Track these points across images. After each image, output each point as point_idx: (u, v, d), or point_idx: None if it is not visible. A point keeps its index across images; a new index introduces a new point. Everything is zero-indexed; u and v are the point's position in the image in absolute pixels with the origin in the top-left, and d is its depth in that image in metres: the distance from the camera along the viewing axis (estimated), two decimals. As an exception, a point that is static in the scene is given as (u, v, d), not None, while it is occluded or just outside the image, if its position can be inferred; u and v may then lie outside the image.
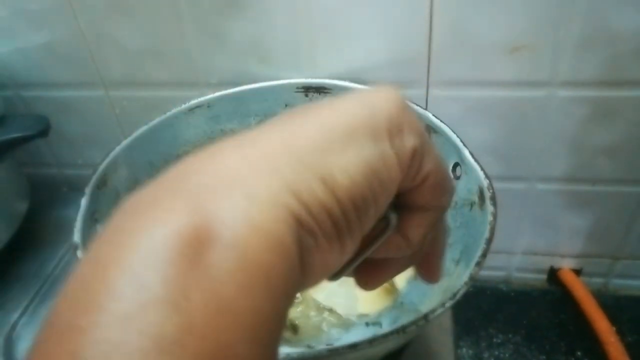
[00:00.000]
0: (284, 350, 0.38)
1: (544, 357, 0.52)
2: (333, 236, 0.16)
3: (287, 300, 0.14)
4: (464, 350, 0.53)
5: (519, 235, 0.55)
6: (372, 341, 0.25)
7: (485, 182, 0.34)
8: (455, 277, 0.35)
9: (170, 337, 0.11)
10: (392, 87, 0.18)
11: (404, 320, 0.37)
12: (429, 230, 0.21)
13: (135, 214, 0.14)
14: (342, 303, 0.41)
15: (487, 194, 0.33)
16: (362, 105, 0.17)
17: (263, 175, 0.15)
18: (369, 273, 0.22)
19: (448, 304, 0.28)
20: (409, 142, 0.18)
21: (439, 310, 0.27)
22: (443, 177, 0.19)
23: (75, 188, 0.62)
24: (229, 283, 0.12)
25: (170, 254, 0.12)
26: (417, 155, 0.18)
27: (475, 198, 0.35)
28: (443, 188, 0.20)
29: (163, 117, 0.43)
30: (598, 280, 0.57)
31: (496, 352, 0.53)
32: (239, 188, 0.14)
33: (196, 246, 0.13)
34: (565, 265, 0.57)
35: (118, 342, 0.11)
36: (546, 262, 0.57)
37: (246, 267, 0.13)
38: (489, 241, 0.31)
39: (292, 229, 0.14)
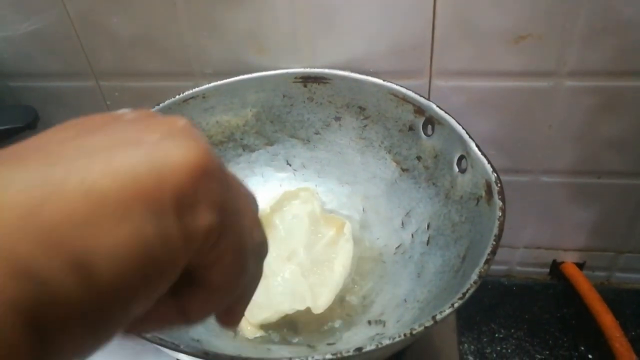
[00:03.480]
0: (285, 352, 0.37)
1: (547, 352, 0.51)
2: (86, 329, 0.13)
3: None
4: (466, 345, 0.52)
5: (522, 229, 0.54)
6: (378, 345, 0.24)
7: (492, 176, 0.33)
8: (461, 274, 0.34)
9: None
10: (198, 137, 0.15)
11: (408, 318, 0.36)
12: (213, 311, 0.18)
13: None
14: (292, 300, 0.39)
15: (495, 188, 0.32)
16: (149, 166, 0.14)
17: None
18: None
19: (457, 304, 0.27)
20: (203, 219, 0.14)
21: (448, 311, 0.26)
22: (241, 258, 0.17)
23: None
24: None
25: None
26: (213, 233, 0.15)
27: (482, 192, 0.34)
28: (239, 270, 0.17)
29: (156, 108, 0.42)
30: (601, 274, 0.57)
31: (498, 348, 0.52)
32: None
33: None
34: (568, 258, 0.56)
35: None
36: (549, 256, 0.56)
37: None
38: (498, 238, 0.29)
39: (25, 327, 0.11)
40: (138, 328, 0.17)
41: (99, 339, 0.13)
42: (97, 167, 0.13)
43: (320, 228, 0.44)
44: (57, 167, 0.13)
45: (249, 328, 0.39)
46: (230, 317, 0.19)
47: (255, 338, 0.38)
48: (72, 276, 0.12)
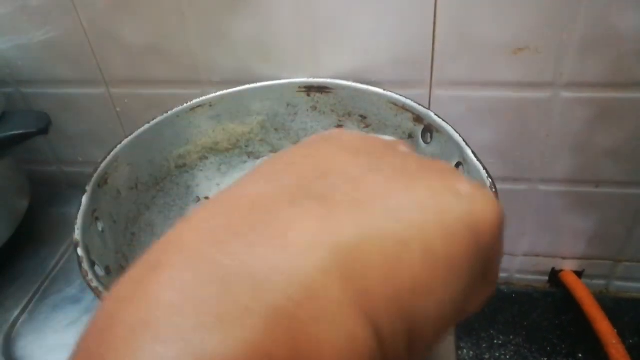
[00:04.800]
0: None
1: (545, 358, 0.52)
2: None
3: None
4: (465, 351, 0.53)
5: (521, 237, 0.55)
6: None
7: (488, 182, 0.34)
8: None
9: None
10: (492, 197, 0.14)
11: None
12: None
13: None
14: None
15: (490, 195, 0.33)
16: (468, 227, 0.13)
17: (358, 314, 0.11)
18: None
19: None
20: (491, 276, 0.14)
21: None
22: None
23: (75, 186, 0.62)
24: None
25: None
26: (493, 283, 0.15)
27: (478, 199, 0.35)
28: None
29: (164, 115, 0.43)
30: (599, 282, 0.57)
31: (497, 354, 0.52)
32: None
33: None
34: (567, 267, 0.57)
35: None
36: (548, 264, 0.57)
37: None
38: (492, 242, 0.30)
39: None
40: None
41: None
42: (431, 225, 0.13)
43: None
44: (388, 221, 0.12)
45: None
46: None
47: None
48: (403, 340, 0.12)
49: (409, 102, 0.41)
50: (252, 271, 0.10)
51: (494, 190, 0.33)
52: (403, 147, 0.16)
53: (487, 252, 0.14)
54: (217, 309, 0.09)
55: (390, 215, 0.12)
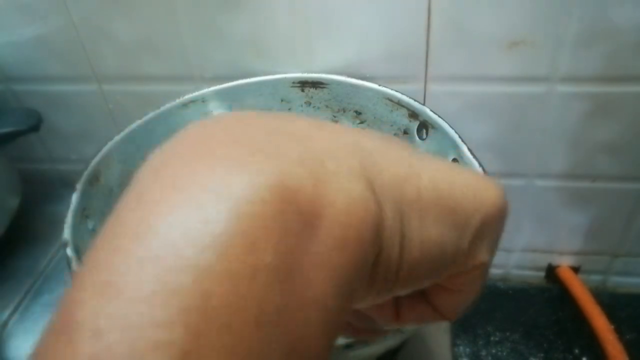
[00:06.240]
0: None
1: (542, 354, 0.51)
2: (381, 286, 0.15)
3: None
4: (461, 348, 0.52)
5: (517, 232, 0.55)
6: (368, 341, 0.25)
7: (483, 179, 0.33)
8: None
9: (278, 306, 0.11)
10: (502, 189, 0.17)
11: (401, 318, 0.36)
12: (465, 307, 0.20)
13: (209, 154, 0.12)
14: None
15: (486, 191, 0.33)
16: (475, 192, 0.16)
17: (367, 185, 0.14)
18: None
19: (446, 303, 0.27)
20: (482, 253, 0.17)
21: (437, 309, 0.27)
22: (487, 272, 0.19)
23: (68, 184, 0.61)
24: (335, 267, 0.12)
25: (284, 217, 0.11)
26: (480, 267, 0.18)
27: (474, 195, 0.34)
28: (484, 280, 0.19)
29: (157, 112, 0.43)
30: (596, 278, 0.57)
31: (493, 350, 0.52)
32: (356, 175, 0.13)
33: (308, 218, 0.12)
34: (564, 262, 0.56)
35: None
36: (544, 260, 0.57)
37: (343, 263, 0.12)
38: (488, 238, 0.30)
39: (373, 253, 0.14)
40: (400, 321, 0.20)
41: (374, 299, 0.16)
42: (446, 177, 0.16)
43: None
44: (411, 170, 0.16)
45: None
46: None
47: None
48: (398, 233, 0.15)
49: (404, 97, 0.41)
50: (287, 141, 0.13)
51: (489, 186, 0.33)
52: None
53: (483, 220, 0.16)
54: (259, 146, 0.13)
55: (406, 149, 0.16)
